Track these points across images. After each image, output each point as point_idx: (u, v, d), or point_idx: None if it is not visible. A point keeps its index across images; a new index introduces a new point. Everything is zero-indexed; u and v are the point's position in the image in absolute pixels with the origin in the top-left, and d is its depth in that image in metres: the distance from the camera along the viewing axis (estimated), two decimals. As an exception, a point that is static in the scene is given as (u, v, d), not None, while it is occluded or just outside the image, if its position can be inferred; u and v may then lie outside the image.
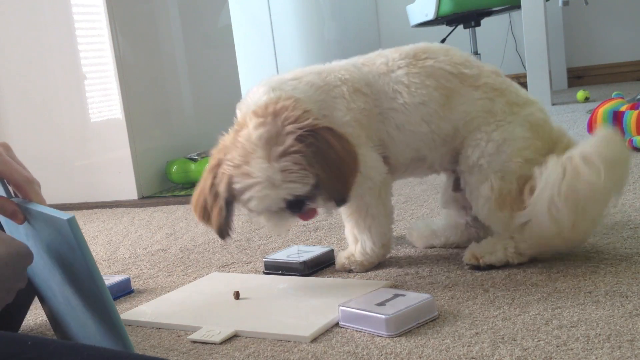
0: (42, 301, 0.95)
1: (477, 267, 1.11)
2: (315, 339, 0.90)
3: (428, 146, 1.16)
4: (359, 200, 1.15)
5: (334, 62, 1.19)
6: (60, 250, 0.73)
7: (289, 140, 0.98)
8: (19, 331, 1.06)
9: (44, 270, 0.82)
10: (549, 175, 1.04)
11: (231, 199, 1.04)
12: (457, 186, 1.25)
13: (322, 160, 1.00)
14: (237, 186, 1.01)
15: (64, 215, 0.67)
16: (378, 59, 1.18)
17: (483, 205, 1.12)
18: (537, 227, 1.06)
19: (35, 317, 1.15)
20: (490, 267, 1.10)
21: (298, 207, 1.03)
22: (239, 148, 1.01)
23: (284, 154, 0.98)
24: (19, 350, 0.59)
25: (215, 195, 1.05)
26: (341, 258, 1.21)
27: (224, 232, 1.08)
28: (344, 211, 1.19)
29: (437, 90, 1.13)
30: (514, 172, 1.10)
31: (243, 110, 1.07)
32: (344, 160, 1.02)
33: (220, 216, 1.05)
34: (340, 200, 1.05)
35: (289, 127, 0.99)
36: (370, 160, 1.12)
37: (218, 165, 1.04)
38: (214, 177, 1.05)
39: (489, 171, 1.11)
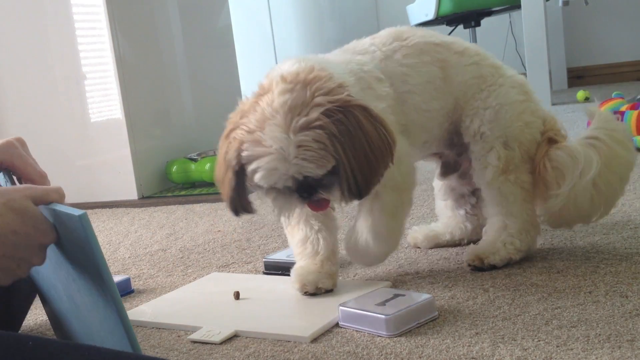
0: (44, 301, 0.95)
1: (479, 269, 1.11)
2: (315, 339, 0.90)
3: (437, 123, 1.14)
4: (396, 197, 1.05)
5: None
6: (69, 246, 0.73)
7: (315, 112, 0.88)
8: (19, 331, 1.06)
9: (48, 269, 0.82)
10: (580, 157, 1.06)
11: (241, 168, 0.93)
12: (444, 172, 1.25)
13: (348, 142, 0.88)
14: (245, 153, 0.91)
15: (76, 211, 0.67)
16: (369, 47, 1.12)
17: (489, 172, 1.11)
18: (573, 206, 1.08)
19: (35, 317, 1.15)
20: (492, 267, 1.10)
21: (308, 192, 0.92)
22: (257, 112, 0.91)
23: (305, 127, 0.87)
24: (19, 350, 0.59)
25: (228, 164, 0.94)
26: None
27: (236, 206, 0.97)
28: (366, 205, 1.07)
29: (433, 64, 1.12)
30: (516, 138, 1.10)
31: (271, 76, 0.95)
32: (375, 147, 0.90)
33: (230, 187, 0.94)
34: (358, 194, 0.92)
35: (319, 99, 0.89)
36: (406, 154, 1.05)
37: (233, 130, 0.94)
38: (229, 144, 0.94)
39: (492, 138, 1.11)
